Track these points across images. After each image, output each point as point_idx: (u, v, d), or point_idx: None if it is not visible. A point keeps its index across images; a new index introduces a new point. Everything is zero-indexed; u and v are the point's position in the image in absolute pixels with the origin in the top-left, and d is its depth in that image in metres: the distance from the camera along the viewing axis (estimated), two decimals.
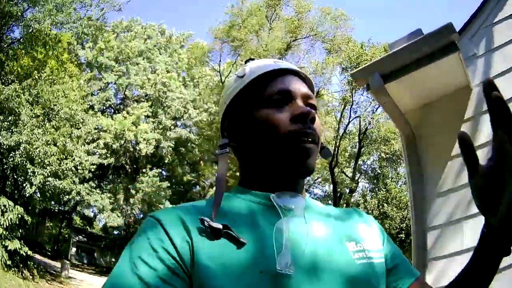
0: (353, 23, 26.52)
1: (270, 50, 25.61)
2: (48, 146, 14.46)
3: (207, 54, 29.45)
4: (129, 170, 25.91)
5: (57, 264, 21.51)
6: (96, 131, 19.41)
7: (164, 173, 30.85)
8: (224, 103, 0.99)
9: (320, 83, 26.03)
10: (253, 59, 1.04)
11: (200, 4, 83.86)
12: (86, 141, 18.20)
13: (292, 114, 0.88)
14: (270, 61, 0.99)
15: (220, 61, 29.45)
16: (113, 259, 29.97)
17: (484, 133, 2.93)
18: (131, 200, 24.48)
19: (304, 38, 26.82)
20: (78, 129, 16.81)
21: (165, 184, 26.56)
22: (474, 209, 2.38)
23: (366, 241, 0.90)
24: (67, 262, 21.99)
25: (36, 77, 14.39)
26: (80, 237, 29.50)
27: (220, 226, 0.76)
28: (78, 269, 25.44)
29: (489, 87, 0.67)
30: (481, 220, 0.77)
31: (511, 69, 2.92)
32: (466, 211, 2.74)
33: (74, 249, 28.78)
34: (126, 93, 25.32)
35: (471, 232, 2.64)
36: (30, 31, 14.54)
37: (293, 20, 26.14)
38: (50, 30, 15.17)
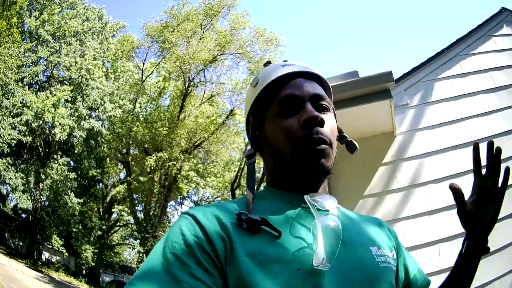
0: (284, 49, 27.16)
1: (195, 59, 25.65)
2: None
3: (135, 49, 28.73)
4: (42, 154, 24.01)
5: None
6: (21, 105, 17.91)
7: (72, 163, 29.02)
8: (247, 112, 1.04)
9: (236, 102, 26.53)
10: (270, 63, 1.07)
11: None
12: (11, 114, 16.75)
13: (300, 121, 0.89)
14: (278, 66, 1.00)
15: (145, 59, 28.89)
16: (21, 243, 27.05)
17: (400, 178, 3.05)
18: (41, 185, 22.70)
19: (232, 54, 27.02)
20: (7, 99, 15.50)
21: (72, 175, 25.09)
22: None
23: (386, 247, 0.94)
24: None
25: None
26: None
27: (259, 219, 0.78)
28: None
29: (490, 146, 0.97)
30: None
31: (446, 123, 3.15)
32: None
33: None
34: (53, 72, 23.67)
35: None
36: None
37: (225, 34, 26.38)
38: None
